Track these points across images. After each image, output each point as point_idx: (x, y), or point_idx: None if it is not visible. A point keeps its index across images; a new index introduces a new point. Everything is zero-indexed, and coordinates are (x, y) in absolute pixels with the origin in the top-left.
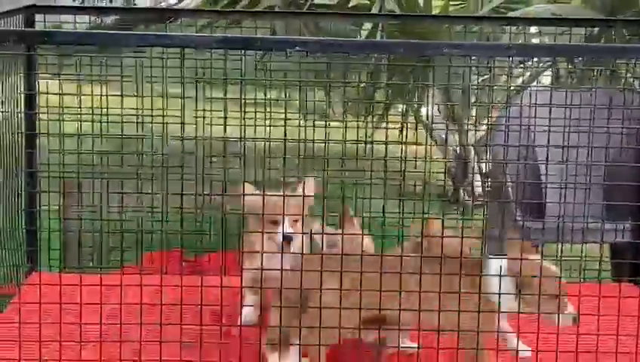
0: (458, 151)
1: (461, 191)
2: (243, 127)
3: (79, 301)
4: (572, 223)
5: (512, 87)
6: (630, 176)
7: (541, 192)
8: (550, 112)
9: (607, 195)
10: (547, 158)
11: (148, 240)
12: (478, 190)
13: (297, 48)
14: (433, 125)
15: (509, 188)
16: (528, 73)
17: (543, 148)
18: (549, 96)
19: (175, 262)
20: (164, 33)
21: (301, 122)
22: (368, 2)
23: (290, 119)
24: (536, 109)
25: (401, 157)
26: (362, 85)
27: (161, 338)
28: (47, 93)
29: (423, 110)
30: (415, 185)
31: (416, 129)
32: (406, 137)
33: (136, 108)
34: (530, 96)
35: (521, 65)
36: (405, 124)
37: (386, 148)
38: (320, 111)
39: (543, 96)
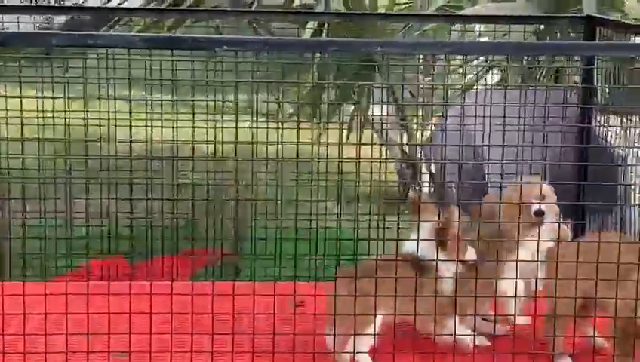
0: (408, 153)
1: (411, 191)
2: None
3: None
4: None
5: (459, 87)
6: (572, 175)
7: (484, 190)
8: (490, 112)
9: None
10: (486, 157)
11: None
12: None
13: (225, 47)
14: (382, 126)
15: (452, 188)
16: (472, 73)
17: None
18: (492, 96)
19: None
20: (90, 33)
21: (252, 124)
22: (315, 2)
23: (241, 120)
24: (477, 109)
25: (341, 159)
26: (310, 87)
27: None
28: None
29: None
30: (354, 186)
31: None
32: (358, 139)
33: (81, 111)
34: (471, 96)
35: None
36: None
37: (340, 150)
38: (269, 113)
39: (486, 97)
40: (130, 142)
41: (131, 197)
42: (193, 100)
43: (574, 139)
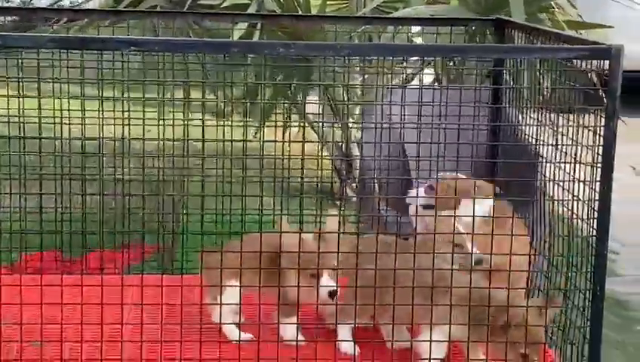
0: (343, 149)
1: (346, 187)
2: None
3: None
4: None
5: (385, 86)
6: (485, 171)
7: (408, 187)
8: (404, 110)
9: None
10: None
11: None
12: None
13: (133, 49)
14: (316, 122)
15: (375, 184)
16: (405, 73)
17: (410, 143)
18: (414, 94)
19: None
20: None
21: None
22: (249, 2)
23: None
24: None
25: (277, 155)
26: (247, 84)
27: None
28: None
29: (308, 108)
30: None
31: (301, 127)
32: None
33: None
34: (397, 95)
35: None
36: (289, 123)
37: (276, 147)
38: (208, 110)
39: (411, 95)
40: (65, 139)
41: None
42: (119, 99)
43: (488, 136)
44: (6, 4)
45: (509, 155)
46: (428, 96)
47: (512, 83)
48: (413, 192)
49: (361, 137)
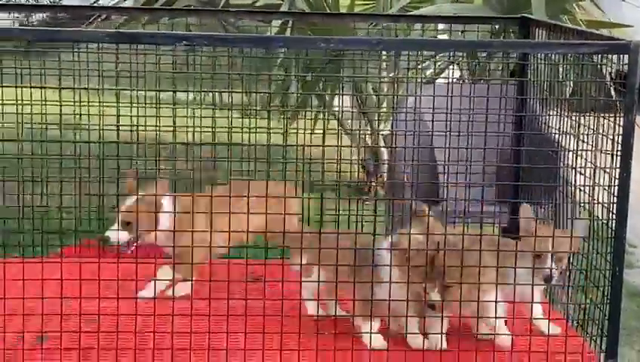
0: (370, 143)
1: (374, 182)
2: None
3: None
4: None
5: (418, 81)
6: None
7: (437, 179)
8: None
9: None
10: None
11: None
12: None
13: (184, 43)
14: (345, 118)
15: (405, 177)
16: (432, 68)
17: (439, 137)
18: (444, 89)
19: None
20: (57, 29)
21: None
22: (281, 2)
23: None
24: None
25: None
26: (279, 81)
27: None
28: None
29: (335, 103)
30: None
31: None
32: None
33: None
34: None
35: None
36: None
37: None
38: (236, 107)
39: (440, 90)
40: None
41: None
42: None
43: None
44: (36, 2)
45: (533, 146)
46: (455, 91)
47: (535, 79)
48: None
49: (392, 128)
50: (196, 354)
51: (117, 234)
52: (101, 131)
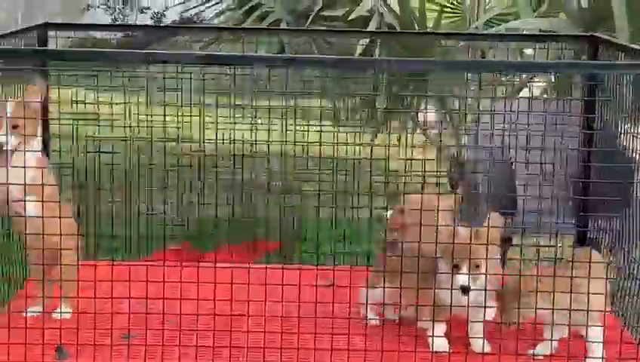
0: (455, 155)
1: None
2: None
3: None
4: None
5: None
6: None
7: (514, 190)
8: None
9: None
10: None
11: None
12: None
13: (279, 64)
14: (430, 131)
15: (480, 186)
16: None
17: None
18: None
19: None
20: (151, 51)
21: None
22: (370, 14)
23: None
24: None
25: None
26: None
27: None
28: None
29: (420, 117)
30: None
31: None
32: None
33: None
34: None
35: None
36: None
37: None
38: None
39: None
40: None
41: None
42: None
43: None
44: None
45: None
46: (533, 107)
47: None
48: None
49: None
50: (269, 351)
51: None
52: (202, 143)
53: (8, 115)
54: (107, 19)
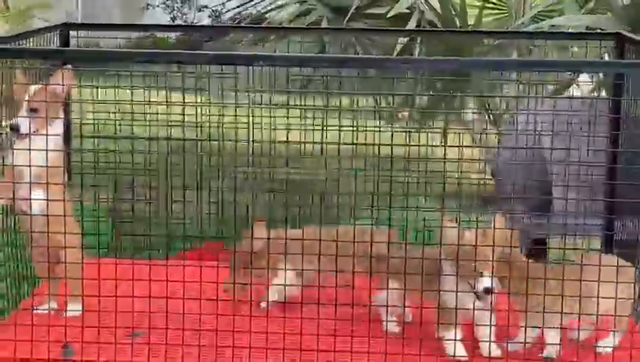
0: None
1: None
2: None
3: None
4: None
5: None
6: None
7: (548, 191)
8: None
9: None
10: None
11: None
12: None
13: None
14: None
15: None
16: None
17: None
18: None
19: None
20: (168, 51)
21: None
22: (410, 11)
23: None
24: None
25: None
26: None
27: None
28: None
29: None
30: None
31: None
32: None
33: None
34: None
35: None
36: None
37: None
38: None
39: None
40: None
41: None
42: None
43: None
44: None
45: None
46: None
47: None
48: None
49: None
50: (272, 352)
51: None
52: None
53: (27, 98)
54: (166, 18)
